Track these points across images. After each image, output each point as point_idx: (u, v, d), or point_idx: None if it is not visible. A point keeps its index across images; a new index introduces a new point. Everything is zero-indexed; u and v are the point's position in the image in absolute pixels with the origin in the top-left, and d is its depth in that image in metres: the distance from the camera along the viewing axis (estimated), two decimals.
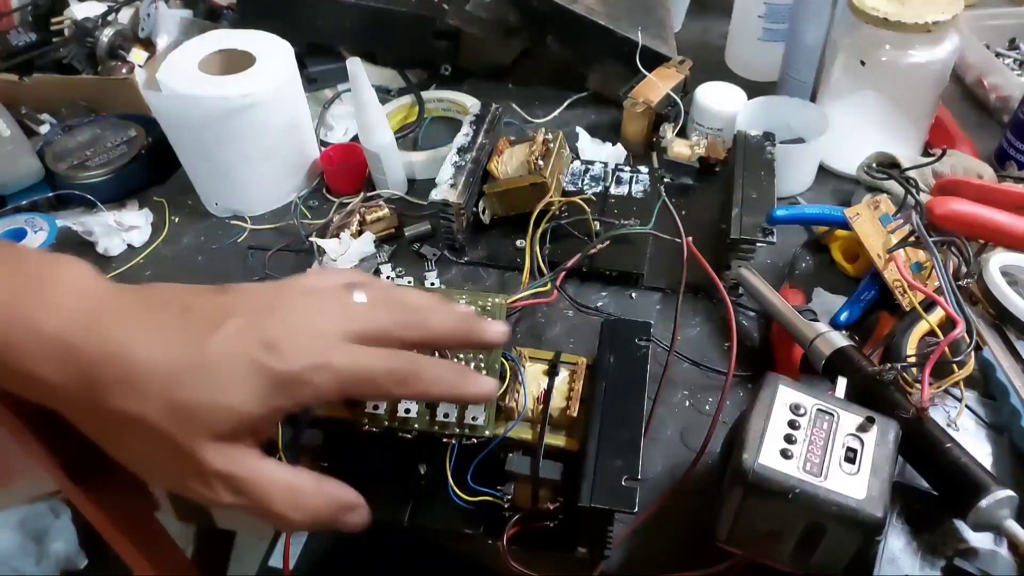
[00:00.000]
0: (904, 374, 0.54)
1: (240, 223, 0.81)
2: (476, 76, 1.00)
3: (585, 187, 0.78)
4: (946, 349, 0.52)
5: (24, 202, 0.81)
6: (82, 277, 0.39)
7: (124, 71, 0.94)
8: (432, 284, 0.73)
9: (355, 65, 0.74)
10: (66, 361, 0.36)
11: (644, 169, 0.80)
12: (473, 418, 0.51)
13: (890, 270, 0.65)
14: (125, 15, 0.98)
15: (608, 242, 0.71)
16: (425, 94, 0.94)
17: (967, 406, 0.59)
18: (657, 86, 0.85)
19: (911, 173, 0.72)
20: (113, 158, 0.82)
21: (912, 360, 0.57)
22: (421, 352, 0.43)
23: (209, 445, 0.37)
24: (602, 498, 0.47)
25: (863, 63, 0.76)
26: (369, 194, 0.81)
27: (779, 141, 0.76)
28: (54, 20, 0.99)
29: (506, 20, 0.94)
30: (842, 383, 0.53)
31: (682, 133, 0.84)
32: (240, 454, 0.38)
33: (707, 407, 0.62)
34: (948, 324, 0.54)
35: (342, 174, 0.83)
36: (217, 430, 0.37)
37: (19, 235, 0.70)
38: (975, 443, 0.56)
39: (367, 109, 0.77)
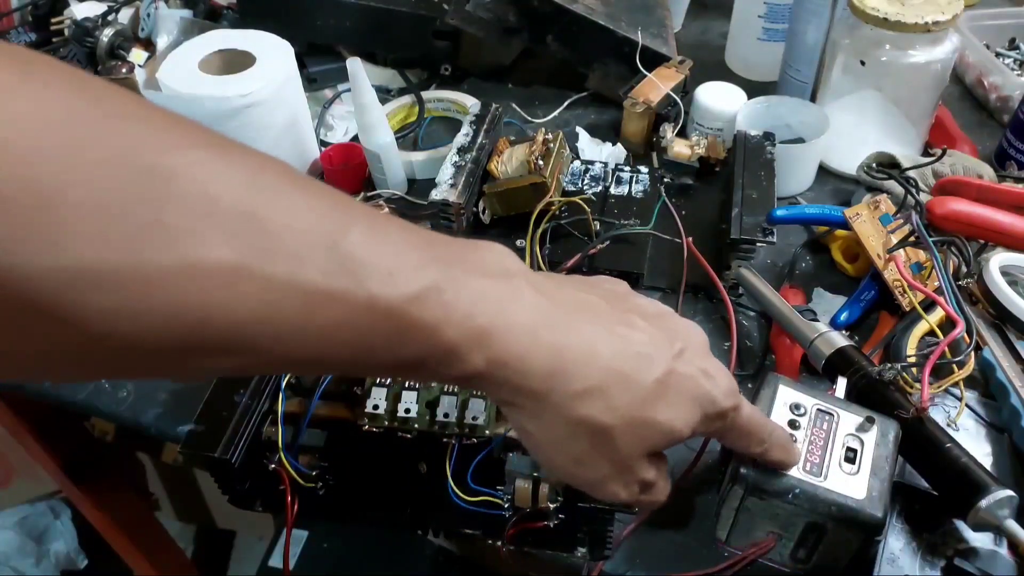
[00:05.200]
0: (904, 374, 0.54)
1: None
2: (476, 76, 1.00)
3: (585, 187, 0.78)
4: (946, 349, 0.52)
5: None
6: (512, 263, 0.37)
7: (124, 71, 0.94)
8: None
9: (355, 65, 0.74)
10: (531, 357, 0.35)
11: (644, 169, 0.80)
12: (473, 418, 0.51)
13: (890, 270, 0.65)
14: (125, 15, 0.98)
15: (608, 242, 0.71)
16: (425, 94, 0.94)
17: (967, 406, 0.59)
18: (657, 86, 0.85)
19: (911, 173, 0.72)
20: None
21: (912, 360, 0.57)
22: None
23: (644, 457, 0.39)
24: None
25: (863, 63, 0.76)
26: (369, 194, 0.81)
27: (779, 141, 0.76)
28: (54, 20, 0.99)
29: (506, 20, 0.94)
30: (842, 383, 0.53)
31: (682, 133, 0.84)
32: (659, 461, 0.41)
33: None
34: (948, 324, 0.54)
35: (342, 174, 0.83)
36: (657, 445, 0.39)
37: None
38: (975, 443, 0.56)
39: (367, 109, 0.77)
